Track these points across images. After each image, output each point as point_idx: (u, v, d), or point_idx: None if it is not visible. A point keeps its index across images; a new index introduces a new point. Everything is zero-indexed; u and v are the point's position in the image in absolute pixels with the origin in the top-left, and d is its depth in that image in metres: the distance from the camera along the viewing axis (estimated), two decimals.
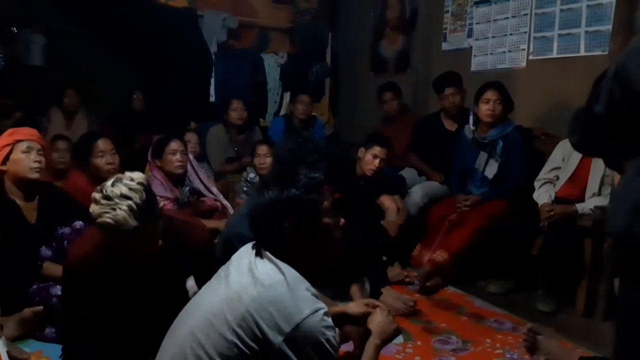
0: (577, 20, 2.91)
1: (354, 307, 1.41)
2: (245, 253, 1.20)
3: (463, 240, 2.74)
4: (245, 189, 3.24)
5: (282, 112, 4.58)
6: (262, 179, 1.47)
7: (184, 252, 1.62)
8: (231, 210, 2.83)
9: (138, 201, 1.38)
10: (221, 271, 1.22)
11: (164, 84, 4.18)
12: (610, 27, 2.71)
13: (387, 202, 2.99)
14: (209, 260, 1.66)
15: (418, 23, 4.00)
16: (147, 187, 1.43)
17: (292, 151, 1.40)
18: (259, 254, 1.16)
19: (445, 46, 3.83)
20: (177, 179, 2.74)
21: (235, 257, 1.22)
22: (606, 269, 2.29)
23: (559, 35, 3.03)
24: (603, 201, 2.40)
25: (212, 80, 4.31)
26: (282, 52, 4.64)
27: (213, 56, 4.31)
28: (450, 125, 3.37)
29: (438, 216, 2.98)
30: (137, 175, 1.44)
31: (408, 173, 3.50)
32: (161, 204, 1.56)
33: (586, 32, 2.87)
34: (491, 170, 2.95)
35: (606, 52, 2.73)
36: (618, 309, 0.98)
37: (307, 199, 1.14)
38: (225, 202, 2.93)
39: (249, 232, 1.22)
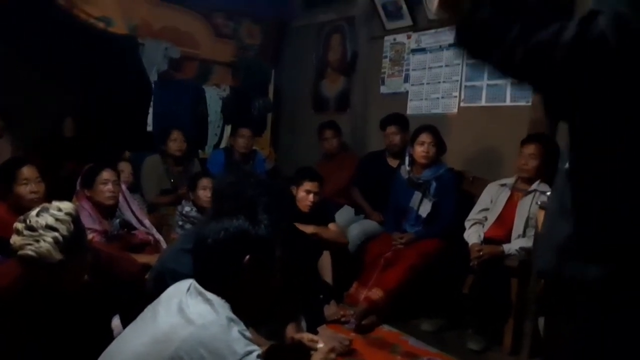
0: None
1: (293, 343, 1.38)
2: (176, 292, 1.15)
3: (398, 278, 2.79)
4: (180, 223, 3.12)
5: (223, 145, 4.53)
6: (216, 210, 1.43)
7: (111, 288, 1.53)
8: (164, 245, 2.71)
9: (65, 233, 1.29)
10: (147, 311, 1.16)
11: (98, 110, 4.02)
12: None
13: (333, 227, 3.01)
14: (137, 298, 1.57)
15: (358, 66, 4.16)
16: (75, 218, 1.35)
17: (234, 185, 1.38)
18: (194, 291, 1.12)
19: (383, 89, 4.00)
20: (107, 210, 2.61)
21: (164, 296, 1.17)
22: (531, 308, 2.40)
23: (488, 85, 3.26)
24: (527, 242, 2.54)
25: (151, 110, 4.21)
26: (225, 85, 4.64)
27: (153, 85, 4.22)
28: (393, 163, 3.48)
29: (374, 254, 3.03)
30: (65, 206, 1.36)
31: (346, 211, 3.56)
32: (89, 236, 1.47)
33: (511, 83, 3.11)
34: (425, 210, 3.06)
35: (529, 103, 2.96)
36: (546, 346, 1.02)
37: (273, 233, 1.13)
38: (158, 236, 2.81)
39: (184, 269, 1.18)
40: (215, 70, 4.65)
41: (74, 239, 1.32)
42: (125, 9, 4.08)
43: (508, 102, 3.13)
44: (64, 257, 1.29)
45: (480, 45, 0.75)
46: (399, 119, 3.45)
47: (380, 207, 3.40)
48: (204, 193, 3.04)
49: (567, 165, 0.83)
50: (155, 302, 1.17)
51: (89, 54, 3.84)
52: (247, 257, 1.10)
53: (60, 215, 1.32)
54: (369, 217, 3.43)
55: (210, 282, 1.11)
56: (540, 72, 0.67)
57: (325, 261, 2.86)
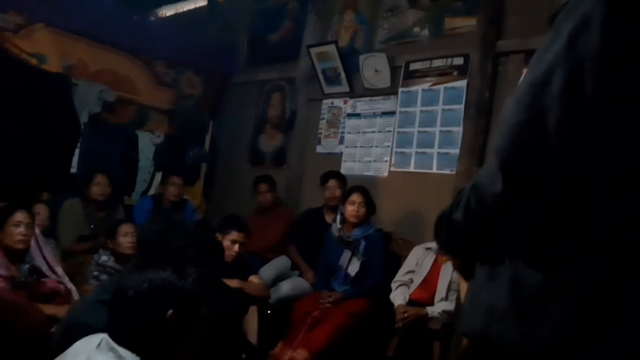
0: (431, 142, 3.36)
1: None
2: (85, 347, 1.06)
3: (324, 339, 2.75)
4: (95, 273, 2.91)
5: (152, 192, 4.38)
6: (139, 260, 1.36)
7: (12, 341, 1.39)
8: (76, 296, 2.52)
9: None
10: None
11: (17, 147, 3.78)
12: (457, 151, 3.17)
13: (254, 279, 2.93)
14: (42, 352, 1.43)
15: (296, 125, 4.26)
16: None
17: (162, 234, 1.33)
18: (105, 346, 1.04)
19: (319, 149, 4.11)
20: (17, 255, 2.40)
21: (70, 352, 1.08)
22: None
23: (416, 152, 3.45)
24: (449, 306, 2.62)
25: (78, 151, 4.02)
26: (160, 131, 4.56)
27: (82, 127, 4.06)
28: (329, 218, 3.52)
29: (301, 312, 2.98)
30: None
31: (281, 261, 3.51)
32: None
33: (438, 153, 3.32)
34: (353, 268, 3.09)
35: (454, 172, 3.16)
36: None
37: (200, 288, 1.08)
38: (70, 285, 2.60)
39: (97, 323, 1.10)
40: (152, 116, 4.58)
41: None
42: (62, 47, 3.97)
43: (435, 170, 3.32)
44: None
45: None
46: (339, 175, 3.57)
47: (314, 262, 3.40)
48: (125, 239, 2.88)
49: None
50: (60, 357, 1.07)
51: (14, 89, 3.65)
52: (170, 311, 1.05)
53: None
54: (303, 275, 3.40)
55: (125, 337, 1.04)
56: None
57: (251, 319, 2.77)
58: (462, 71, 3.23)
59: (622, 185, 0.76)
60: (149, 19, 5.45)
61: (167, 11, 5.62)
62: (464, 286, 2.28)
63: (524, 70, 2.95)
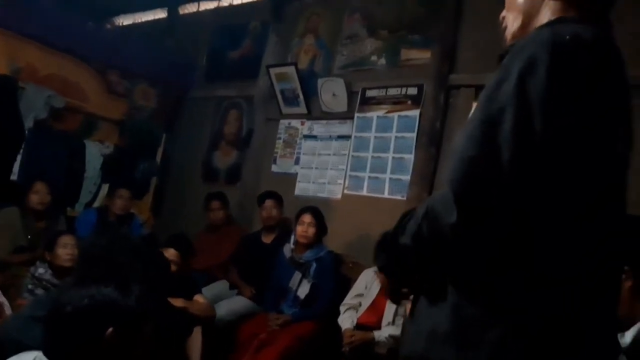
0: (384, 167, 3.43)
1: None
2: None
3: None
4: (29, 286, 2.74)
5: (97, 204, 4.21)
6: (80, 275, 1.30)
7: None
8: (8, 311, 2.36)
9: None
10: None
11: None
12: (409, 177, 3.25)
13: (200, 298, 2.85)
14: None
15: (252, 143, 4.25)
16: None
17: (106, 248, 1.28)
18: None
19: (274, 168, 4.10)
20: None
21: None
22: None
23: (369, 177, 3.51)
24: (396, 330, 2.65)
25: (19, 157, 3.82)
26: (110, 142, 4.41)
27: (27, 132, 3.87)
28: (267, 239, 3.50)
29: (248, 334, 2.92)
30: None
31: (221, 285, 3.45)
32: None
33: (390, 178, 3.39)
34: (303, 291, 3.07)
35: (405, 198, 3.24)
36: None
37: (143, 306, 1.04)
38: (2, 299, 2.44)
39: (30, 340, 1.04)
40: (102, 125, 4.42)
41: None
42: (11, 50, 3.80)
43: (386, 195, 3.39)
44: None
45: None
46: (276, 195, 3.57)
47: (254, 283, 3.36)
48: (64, 251, 2.74)
49: None
50: None
51: None
52: (111, 329, 1.00)
53: None
54: (241, 292, 3.36)
55: (61, 355, 0.99)
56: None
57: (195, 340, 2.68)
58: (415, 101, 3.34)
59: (570, 218, 0.80)
60: (105, 27, 5.33)
61: (125, 20, 5.52)
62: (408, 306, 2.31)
63: (474, 104, 3.09)
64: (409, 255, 0.90)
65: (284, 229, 3.48)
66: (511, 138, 0.77)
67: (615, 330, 0.90)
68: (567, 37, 0.81)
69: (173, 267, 2.67)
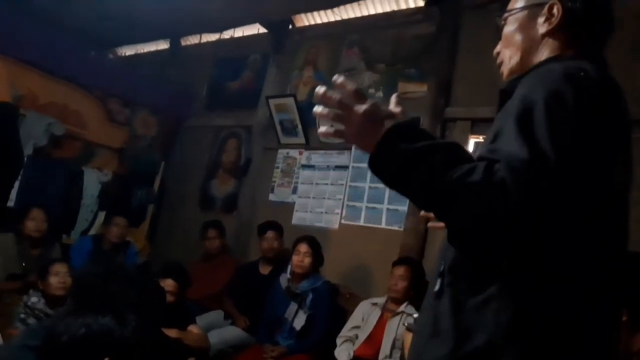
0: (381, 197, 3.44)
1: None
2: None
3: None
4: (21, 315, 2.69)
5: (93, 232, 4.19)
6: (75, 304, 1.28)
7: None
8: (0, 340, 2.32)
9: None
10: None
11: None
12: (406, 208, 3.26)
13: (194, 329, 2.80)
14: None
15: (250, 172, 4.26)
16: None
17: (101, 277, 1.28)
18: None
19: (272, 197, 4.11)
20: None
21: None
22: None
23: (367, 207, 3.52)
24: None
25: (17, 184, 3.82)
26: (109, 170, 4.43)
27: (25, 159, 3.88)
28: (264, 270, 3.47)
29: None
30: None
31: (215, 315, 3.40)
32: None
33: (387, 209, 3.40)
34: (299, 322, 3.03)
35: (402, 229, 3.24)
36: None
37: (139, 337, 1.03)
38: None
39: None
40: (100, 153, 4.44)
41: None
42: (12, 76, 3.85)
43: (383, 225, 3.38)
44: None
45: (398, 175, 0.87)
46: (277, 226, 3.55)
47: (248, 314, 3.31)
48: (56, 279, 2.70)
49: (436, 287, 0.91)
50: None
51: None
52: (106, 359, 0.99)
53: None
54: (235, 322, 3.31)
55: None
56: (452, 204, 0.79)
57: None
58: None
59: (577, 218, 0.82)
60: (107, 56, 5.43)
61: (128, 51, 5.62)
62: (408, 343, 2.29)
63: (470, 136, 3.15)
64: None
65: (282, 259, 3.46)
66: (550, 142, 0.77)
67: (616, 330, 0.89)
68: (581, 73, 0.85)
69: (170, 298, 2.65)
